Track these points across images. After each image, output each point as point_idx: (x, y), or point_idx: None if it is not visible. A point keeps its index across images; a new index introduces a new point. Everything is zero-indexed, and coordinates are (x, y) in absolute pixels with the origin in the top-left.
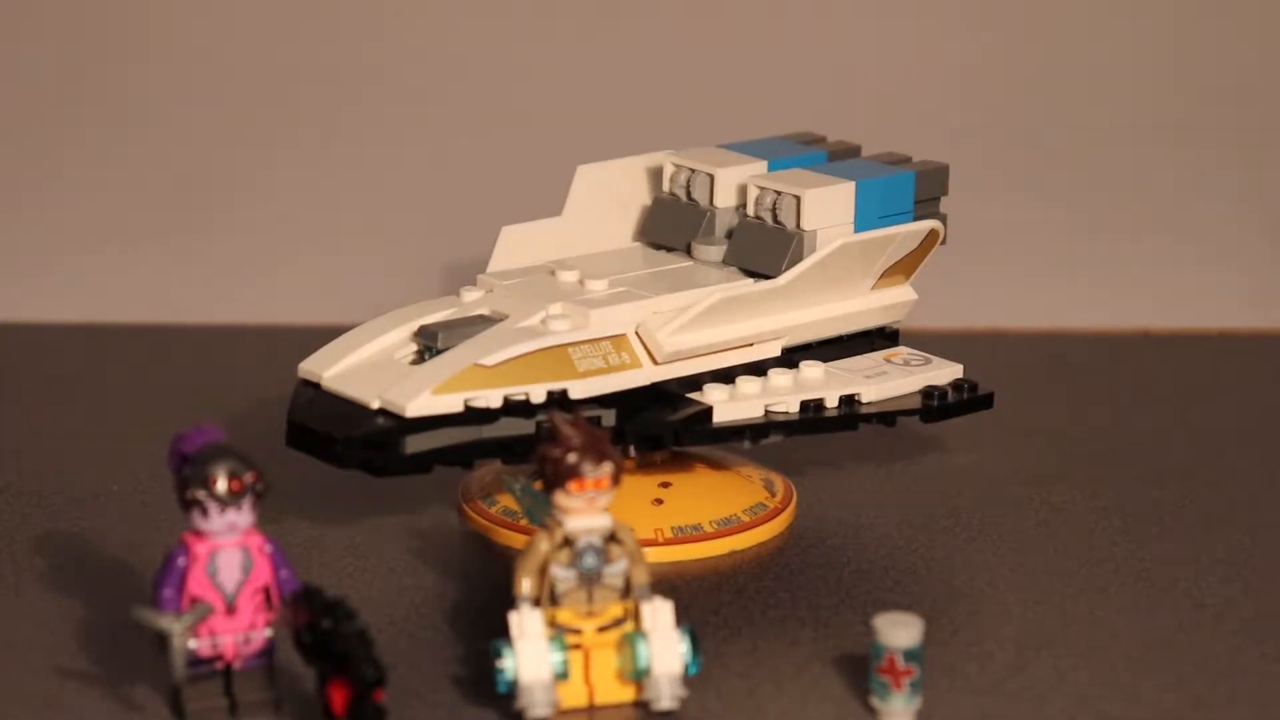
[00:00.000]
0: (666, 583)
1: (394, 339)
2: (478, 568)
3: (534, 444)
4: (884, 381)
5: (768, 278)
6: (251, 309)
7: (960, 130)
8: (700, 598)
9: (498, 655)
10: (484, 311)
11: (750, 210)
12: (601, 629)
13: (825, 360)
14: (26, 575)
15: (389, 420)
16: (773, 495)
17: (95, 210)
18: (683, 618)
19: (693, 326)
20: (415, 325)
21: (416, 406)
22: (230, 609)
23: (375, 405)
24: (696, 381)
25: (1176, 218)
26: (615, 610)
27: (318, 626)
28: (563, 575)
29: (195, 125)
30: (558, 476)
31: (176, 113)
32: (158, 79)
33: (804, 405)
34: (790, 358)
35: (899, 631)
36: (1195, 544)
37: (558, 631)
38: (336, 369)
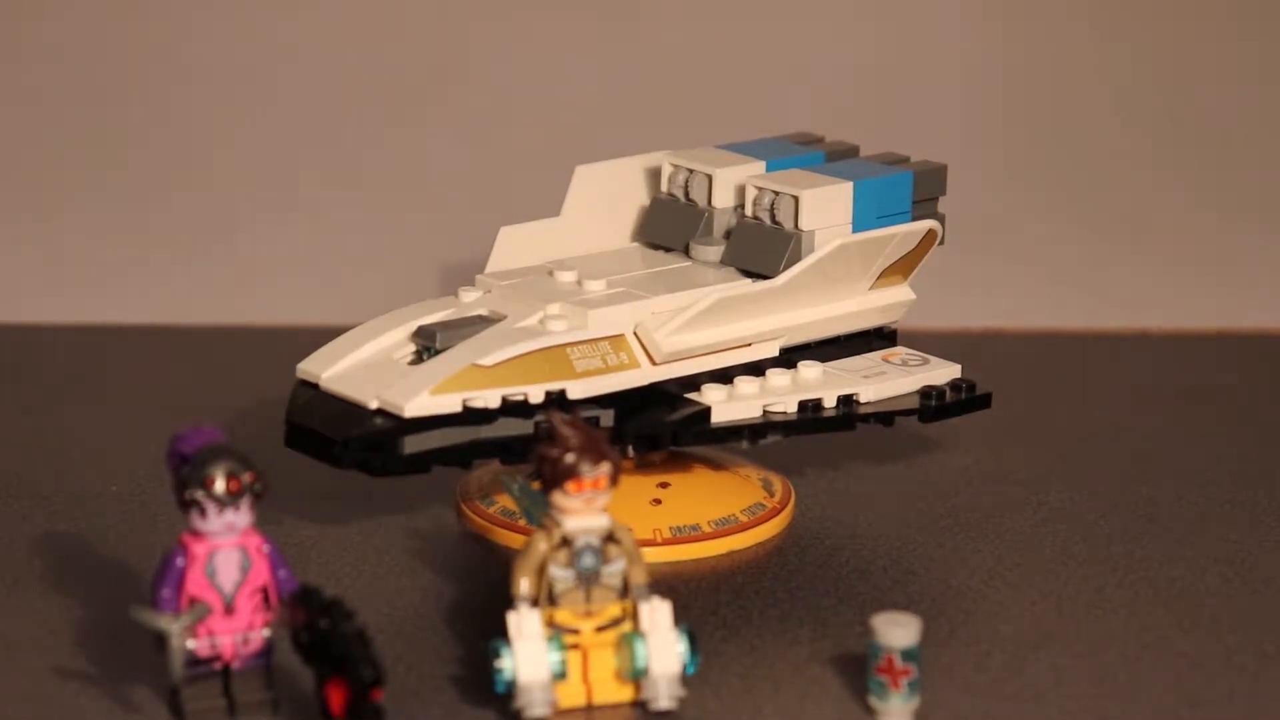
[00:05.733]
0: (665, 583)
1: (392, 339)
2: (476, 568)
3: (532, 444)
4: (882, 381)
5: (766, 278)
6: (251, 309)
7: (958, 130)
8: (698, 598)
9: (496, 655)
10: (482, 312)
11: (748, 210)
12: (600, 629)
13: (823, 360)
14: (26, 575)
15: (387, 420)
16: (771, 495)
17: (95, 211)
18: (681, 618)
19: (691, 327)
20: (413, 325)
21: (415, 407)
22: (228, 609)
23: (373, 405)
24: (694, 382)
25: (1175, 218)
26: (613, 610)
27: (316, 626)
28: (561, 575)
29: (195, 126)
30: (556, 477)
31: (176, 113)
32: (158, 79)
33: (802, 405)
34: (788, 358)
35: (897, 631)
36: (1193, 544)
37: (556, 631)
38: (335, 369)
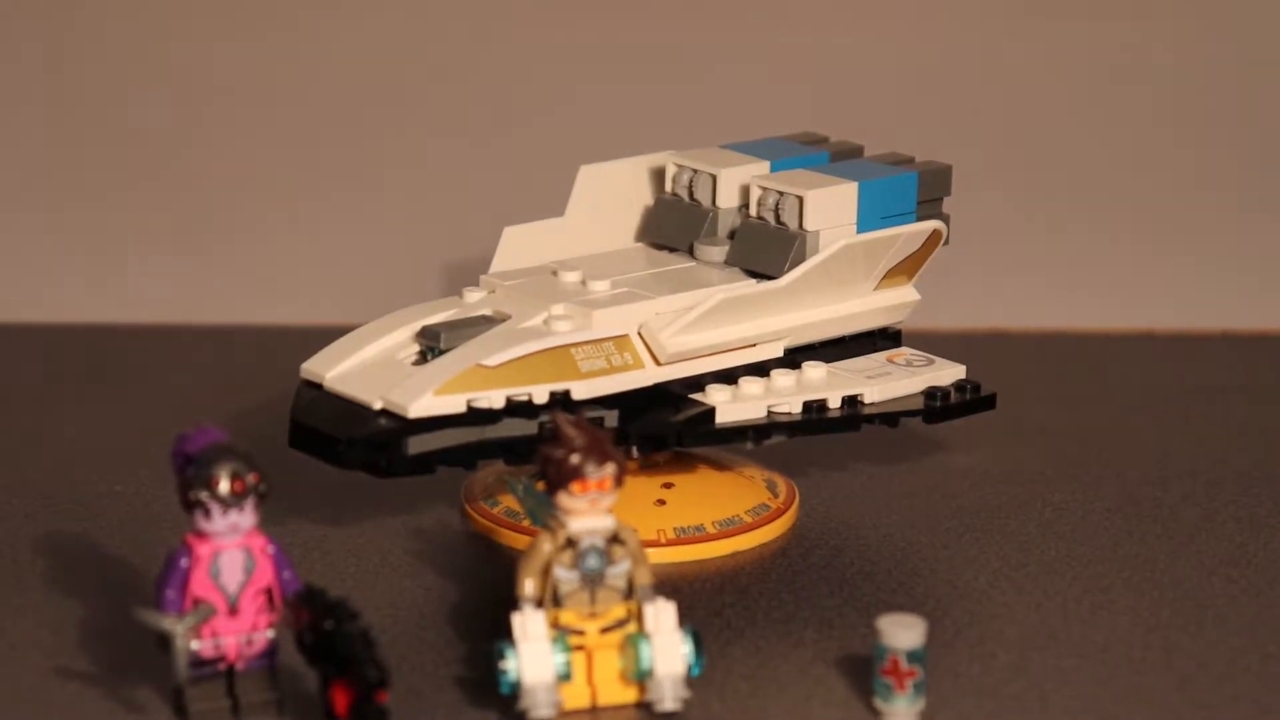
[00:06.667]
0: (669, 584)
1: (396, 339)
2: (480, 569)
3: (536, 445)
4: (887, 382)
5: (770, 278)
6: (251, 309)
7: (963, 130)
8: (703, 599)
9: (501, 656)
10: (486, 312)
11: (753, 211)
12: (604, 630)
13: (828, 361)
14: (29, 575)
15: (391, 421)
16: (775, 496)
17: (96, 211)
18: (685, 619)
19: (695, 327)
20: (418, 326)
21: (419, 407)
22: (233, 610)
23: (378, 406)
24: (699, 382)
25: (1178, 218)
26: (618, 611)
27: (320, 627)
28: (565, 576)
29: (195, 125)
30: (560, 477)
31: (177, 113)
32: (158, 79)
33: (807, 406)
34: (793, 358)
35: (902, 632)
36: (1198, 545)
37: (560, 633)
38: (339, 369)
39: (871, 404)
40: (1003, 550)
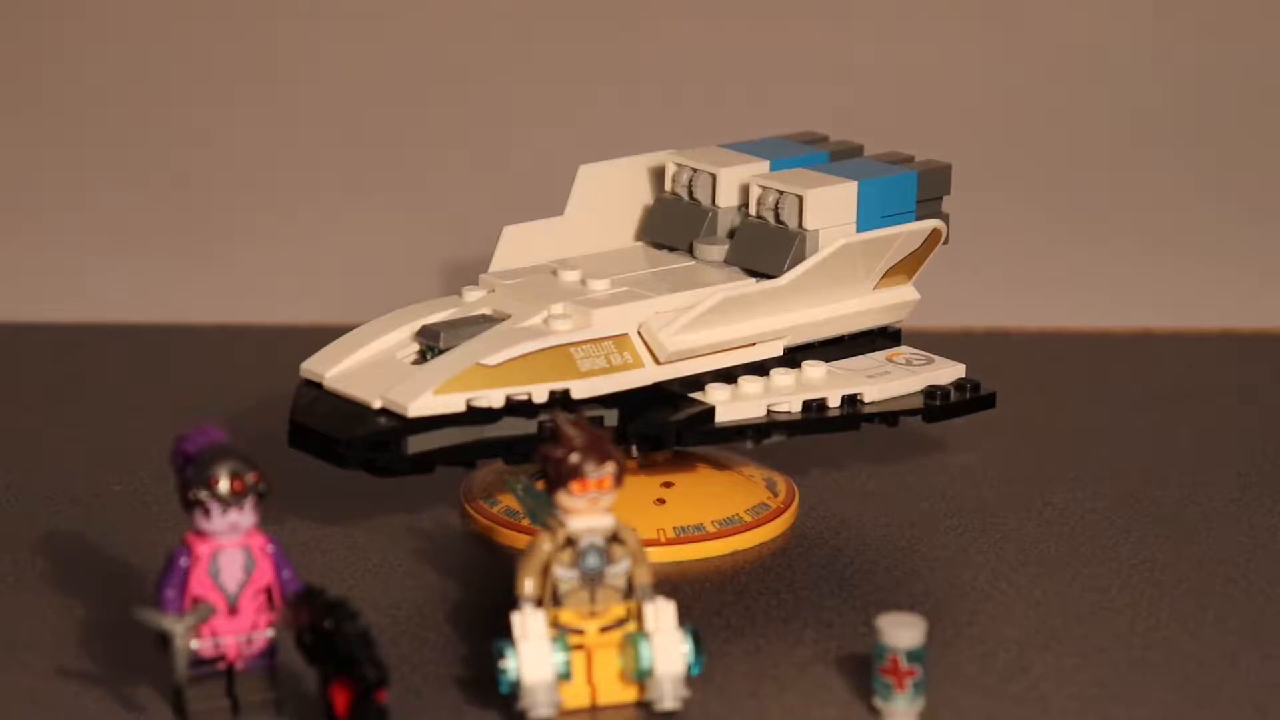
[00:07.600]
0: (669, 583)
1: (396, 339)
2: (480, 568)
3: (536, 444)
4: (886, 381)
5: (770, 277)
6: (251, 309)
7: (962, 130)
8: (702, 598)
9: (500, 656)
10: (486, 311)
11: (752, 210)
12: (604, 629)
13: (827, 360)
14: (28, 575)
15: (391, 420)
16: (775, 495)
17: (95, 210)
18: (685, 618)
19: (695, 326)
20: (417, 325)
21: (418, 406)
22: (232, 609)
23: (377, 405)
24: (698, 381)
25: (1177, 218)
26: (618, 610)
27: (320, 627)
28: (565, 576)
29: (195, 124)
30: (560, 477)
31: (176, 112)
32: (157, 78)
33: (806, 405)
34: (792, 357)
35: (902, 632)
36: (1197, 544)
37: (560, 632)
38: (338, 369)
39: (871, 403)
40: (1002, 549)
